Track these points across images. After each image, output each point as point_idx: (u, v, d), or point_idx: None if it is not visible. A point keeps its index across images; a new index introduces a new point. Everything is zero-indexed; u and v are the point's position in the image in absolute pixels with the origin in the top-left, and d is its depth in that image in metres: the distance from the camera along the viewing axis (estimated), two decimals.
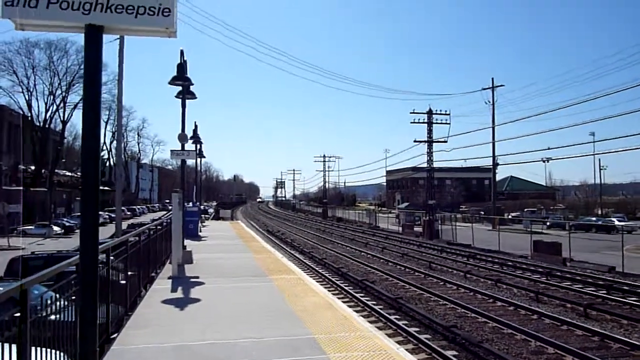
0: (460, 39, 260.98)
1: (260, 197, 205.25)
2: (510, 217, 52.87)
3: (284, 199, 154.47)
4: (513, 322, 11.79)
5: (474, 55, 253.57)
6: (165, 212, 66.25)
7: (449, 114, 43.08)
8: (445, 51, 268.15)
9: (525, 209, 59.92)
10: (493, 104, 48.99)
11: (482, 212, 55.24)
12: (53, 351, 4.05)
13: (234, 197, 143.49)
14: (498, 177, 61.43)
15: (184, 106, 14.28)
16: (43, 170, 60.45)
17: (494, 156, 49.44)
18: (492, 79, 49.56)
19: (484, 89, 49.59)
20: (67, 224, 46.87)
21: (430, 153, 43.93)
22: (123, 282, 7.68)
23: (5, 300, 3.29)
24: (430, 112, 43.16)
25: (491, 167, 51.71)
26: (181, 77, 13.09)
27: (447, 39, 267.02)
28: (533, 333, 10.84)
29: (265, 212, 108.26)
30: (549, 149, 44.15)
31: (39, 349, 3.74)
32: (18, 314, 3.42)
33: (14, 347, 3.28)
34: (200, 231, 25.76)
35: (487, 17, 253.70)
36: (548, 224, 45.00)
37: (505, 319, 12.18)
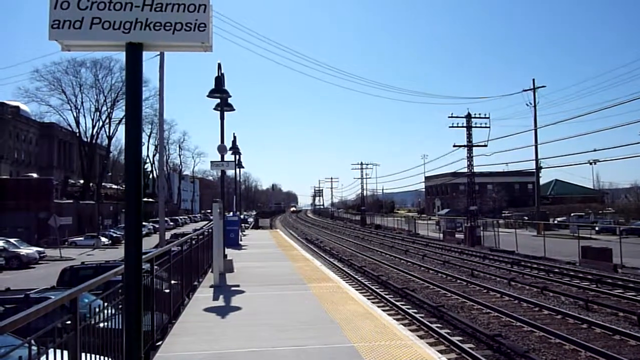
0: (498, 41, 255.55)
1: (294, 206, 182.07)
2: (555, 222, 51.04)
3: (322, 207, 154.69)
4: (561, 332, 11.36)
5: (513, 57, 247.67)
6: (206, 222, 67.61)
7: (488, 117, 42.20)
8: (482, 54, 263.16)
9: (572, 214, 57.64)
10: (535, 106, 47.64)
11: (526, 218, 53.60)
12: (102, 357, 4.20)
13: (272, 206, 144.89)
14: (542, 181, 59.51)
15: (222, 118, 14.57)
16: (91, 184, 62.96)
17: (537, 159, 47.94)
18: (533, 80, 48.23)
19: (525, 90, 48.29)
20: (114, 235, 48.55)
21: (470, 157, 43.06)
22: (167, 290, 7.88)
23: (58, 308, 3.46)
24: (469, 116, 42.37)
25: (534, 170, 50.16)
26: (219, 90, 13.38)
27: (485, 41, 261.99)
28: (583, 343, 10.39)
29: (304, 220, 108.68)
30: (595, 150, 42.55)
31: (88, 355, 3.89)
32: (69, 321, 3.58)
33: (65, 352, 3.43)
34: (241, 240, 26.12)
35: (525, 17, 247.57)
36: (597, 228, 43.14)
37: (552, 328, 11.74)
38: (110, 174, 73.89)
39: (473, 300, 15.46)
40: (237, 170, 31.94)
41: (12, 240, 34.45)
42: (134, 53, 2.78)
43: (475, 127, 42.47)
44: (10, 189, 46.06)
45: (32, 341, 3.06)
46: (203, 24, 2.74)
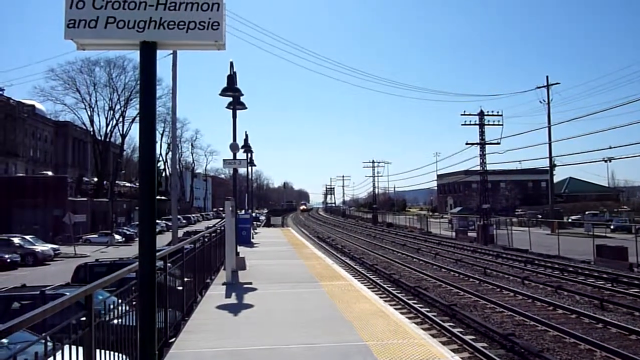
0: (510, 37, 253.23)
1: (304, 204, 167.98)
2: (570, 220, 50.44)
3: (333, 205, 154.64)
4: (576, 331, 11.23)
5: (526, 54, 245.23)
6: (218, 220, 67.99)
7: (501, 115, 41.83)
8: (494, 51, 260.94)
9: (586, 212, 56.90)
10: (548, 103, 47.13)
11: (540, 216, 53.04)
12: (116, 353, 4.24)
13: (284, 204, 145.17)
14: (556, 179, 58.90)
15: (234, 117, 14.62)
16: (105, 182, 63.66)
17: (550, 157, 47.45)
18: (547, 76, 47.92)
19: (539, 87, 47.82)
20: (128, 232, 49.04)
21: (482, 155, 42.74)
22: (180, 288, 7.94)
23: (73, 304, 3.49)
24: (481, 114, 42.03)
25: (548, 168, 49.63)
26: (231, 89, 13.41)
27: (496, 38, 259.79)
28: (598, 343, 10.27)
29: (315, 218, 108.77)
30: (610, 147, 41.86)
31: (103, 351, 3.93)
32: (84, 318, 3.62)
33: (80, 349, 3.47)
34: (253, 238, 26.22)
35: (538, 14, 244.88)
36: (612, 227, 42.57)
37: (567, 327, 11.62)
38: (123, 172, 74.67)
39: (486, 299, 15.35)
40: (249, 168, 32.02)
41: (27, 237, 34.95)
42: (148, 52, 2.79)
43: (488, 124, 42.15)
44: (26, 186, 46.70)
45: (48, 337, 3.10)
46: (216, 22, 2.74)
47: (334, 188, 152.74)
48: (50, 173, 58.57)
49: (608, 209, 60.10)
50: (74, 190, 57.43)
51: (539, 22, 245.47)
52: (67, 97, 63.09)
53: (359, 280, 15.41)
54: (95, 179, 65.82)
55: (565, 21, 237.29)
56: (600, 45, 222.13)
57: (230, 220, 12.88)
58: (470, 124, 42.35)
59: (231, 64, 13.31)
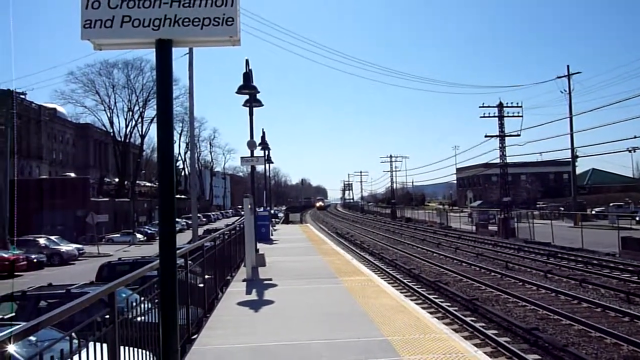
0: (531, 28, 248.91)
1: (320, 199, 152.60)
2: (593, 212, 49.46)
3: (351, 200, 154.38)
4: (602, 325, 11.01)
5: (546, 44, 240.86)
6: (238, 218, 68.52)
7: (521, 107, 41.12)
8: (512, 41, 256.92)
9: (611, 204, 55.69)
10: (570, 93, 46.15)
11: (562, 208, 52.13)
12: (139, 350, 4.30)
13: (302, 201, 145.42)
14: (578, 171, 57.71)
15: (251, 114, 14.69)
16: (125, 182, 64.61)
17: (572, 148, 46.56)
18: (568, 66, 46.74)
19: (559, 77, 46.82)
20: (149, 231, 49.72)
21: (502, 148, 42.14)
22: (201, 285, 8.01)
23: (97, 302, 3.55)
24: (500, 105, 41.42)
25: (570, 159, 48.70)
26: (247, 86, 13.46)
27: (515, 28, 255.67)
28: (625, 336, 10.04)
29: (334, 214, 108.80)
30: (635, 137, 40.78)
31: (127, 348, 3.98)
32: (107, 315, 3.67)
33: (105, 345, 3.52)
34: (272, 235, 26.35)
35: (558, 3, 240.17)
36: (637, 218, 41.55)
37: (592, 321, 11.39)
38: (144, 172, 75.72)
39: (508, 293, 15.16)
40: (267, 165, 32.17)
41: (52, 237, 35.71)
42: (164, 49, 2.80)
43: (508, 116, 41.52)
44: (50, 188, 47.66)
45: (74, 334, 3.15)
46: (231, 18, 2.74)
47: (352, 184, 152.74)
48: (72, 174, 59.70)
49: (633, 200, 58.75)
50: (96, 190, 58.42)
51: (559, 11, 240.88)
52: (86, 99, 64.20)
53: (378, 276, 15.36)
54: (117, 180, 66.84)
55: (586, 8, 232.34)
56: (624, 32, 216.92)
57: (249, 217, 12.96)
58: (489, 116, 41.79)
59: (247, 61, 13.36)
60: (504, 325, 11.64)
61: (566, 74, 46.43)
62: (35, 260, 30.10)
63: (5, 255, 28.45)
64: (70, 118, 69.31)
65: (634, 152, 44.71)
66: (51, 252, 32.83)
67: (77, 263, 32.59)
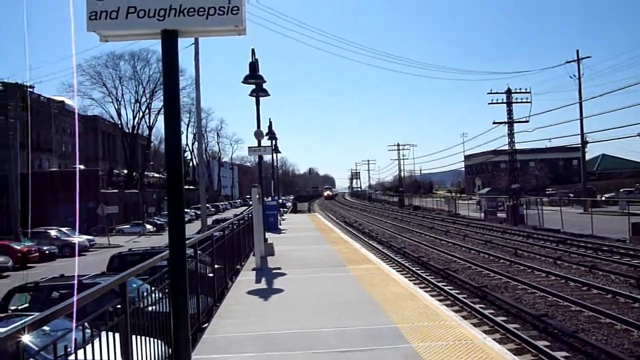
0: (540, 12, 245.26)
1: (329, 188, 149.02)
2: (603, 198, 49.06)
3: (359, 189, 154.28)
4: (612, 311, 10.97)
5: (555, 28, 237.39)
6: (246, 207, 68.74)
7: (529, 92, 40.75)
8: (522, 27, 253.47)
9: (621, 189, 55.16)
10: (579, 78, 45.53)
11: (571, 195, 51.74)
12: (151, 339, 4.36)
13: (310, 190, 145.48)
14: (588, 156, 57.11)
15: (258, 104, 14.66)
16: (134, 173, 64.99)
17: (582, 134, 46.01)
18: (577, 50, 46.24)
19: (568, 62, 46.19)
20: (158, 222, 50.11)
21: (511, 134, 41.82)
22: (210, 274, 8.08)
23: (108, 292, 3.59)
24: (509, 92, 41.03)
25: (579, 145, 48.22)
26: (254, 76, 13.43)
27: (523, 14, 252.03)
28: (636, 322, 10.01)
29: (342, 203, 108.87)
30: None
31: (139, 337, 4.03)
32: (119, 305, 3.72)
33: (117, 335, 3.57)
34: (280, 224, 26.45)
35: None
36: None
37: (602, 307, 11.36)
38: (152, 163, 76.09)
39: (517, 280, 15.14)
40: (274, 155, 32.20)
41: (63, 229, 36.09)
42: (170, 40, 2.79)
43: (516, 102, 41.15)
44: (60, 180, 48.04)
45: (86, 324, 3.20)
46: (236, 7, 2.72)
47: (359, 172, 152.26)
48: (82, 167, 60.13)
49: None
50: (105, 182, 58.81)
51: None
52: (94, 91, 64.49)
53: (387, 264, 15.40)
54: (125, 171, 67.24)
55: None
56: (633, 15, 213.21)
57: (257, 207, 13.01)
58: (497, 103, 41.44)
59: (253, 51, 13.31)
60: (513, 312, 11.64)
61: (575, 58, 45.84)
62: (47, 252, 30.49)
63: (18, 247, 28.85)
64: (79, 110, 69.70)
65: None
66: (62, 244, 33.23)
67: (88, 254, 32.96)
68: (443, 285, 15.18)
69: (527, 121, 41.08)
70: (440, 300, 10.78)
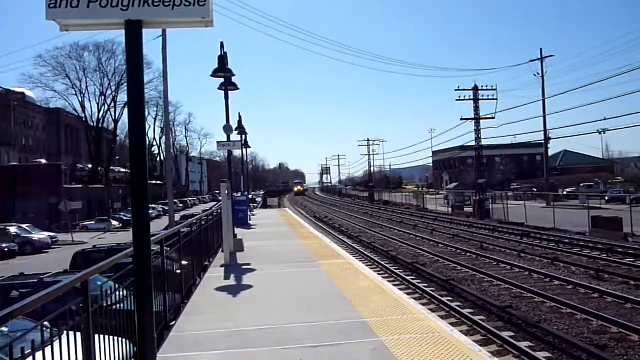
0: (504, 11, 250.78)
1: (300, 184, 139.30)
2: (565, 193, 50.73)
3: (329, 184, 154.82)
4: (572, 302, 11.37)
5: (520, 27, 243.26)
6: (215, 203, 68.00)
7: (495, 90, 41.63)
8: (488, 25, 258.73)
9: (581, 184, 57.20)
10: (543, 76, 46.82)
11: (535, 189, 53.32)
12: (117, 338, 4.25)
13: (280, 186, 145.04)
14: (551, 152, 58.82)
15: (227, 98, 14.49)
16: (99, 168, 63.34)
17: (545, 130, 47.40)
18: (541, 49, 47.31)
19: (532, 60, 47.43)
20: (125, 218, 48.99)
21: (477, 130, 42.67)
22: (178, 271, 7.94)
23: (70, 291, 3.48)
24: (476, 89, 41.82)
25: (543, 141, 49.66)
26: (223, 69, 13.27)
27: (490, 12, 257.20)
28: (595, 312, 10.41)
29: (312, 198, 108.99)
30: (605, 119, 41.91)
31: (102, 336, 3.93)
32: (81, 304, 3.60)
33: (79, 334, 3.46)
34: (250, 220, 26.28)
35: None
36: (607, 198, 42.81)
37: (564, 298, 11.76)
38: (118, 157, 74.26)
39: (483, 272, 15.50)
40: (244, 150, 31.94)
41: (24, 226, 34.90)
42: (134, 31, 2.72)
43: (483, 99, 41.98)
44: (20, 175, 46.43)
45: (47, 324, 3.08)
46: None
47: (329, 167, 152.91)
48: (44, 161, 58.16)
49: (603, 181, 60.46)
50: (69, 177, 57.14)
51: None
52: (56, 83, 62.45)
53: (357, 259, 15.51)
54: (90, 166, 65.47)
55: None
56: (595, 15, 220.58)
57: (226, 202, 12.87)
58: (464, 99, 42.19)
59: (222, 44, 13.14)
60: (479, 304, 11.92)
61: (539, 57, 47.10)
62: (6, 250, 29.43)
63: None
64: (40, 103, 67.30)
65: (604, 133, 45.92)
66: (23, 241, 32.13)
67: (51, 251, 32.00)
68: (412, 279, 15.40)
69: (493, 118, 42.06)
70: (408, 294, 10.93)
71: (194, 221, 10.69)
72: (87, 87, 63.05)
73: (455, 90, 42.26)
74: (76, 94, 63.02)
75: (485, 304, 11.82)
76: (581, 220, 26.45)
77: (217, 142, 15.74)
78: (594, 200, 38.38)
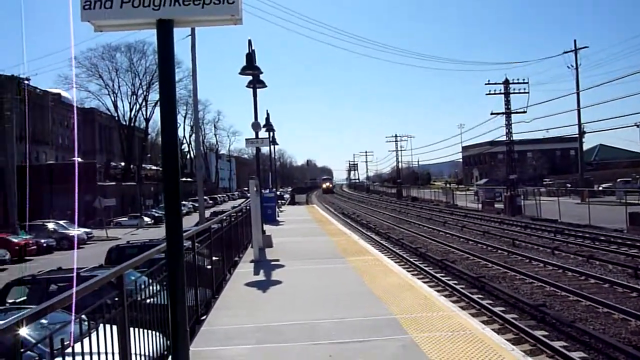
0: (537, 1, 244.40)
1: (328, 180, 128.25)
2: (600, 188, 49.18)
3: (357, 181, 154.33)
4: (609, 301, 11.02)
5: (552, 18, 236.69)
6: (244, 200, 68.73)
7: (527, 83, 40.77)
8: (520, 17, 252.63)
9: (618, 179, 55.25)
10: (577, 68, 45.49)
11: (569, 185, 51.88)
12: (150, 331, 4.35)
13: (308, 182, 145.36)
14: (585, 147, 57.17)
15: (255, 95, 14.60)
16: (132, 166, 64.82)
17: (579, 124, 46.08)
18: (575, 40, 46.00)
19: (566, 52, 46.11)
20: (156, 214, 50.06)
21: (508, 125, 41.84)
22: (208, 266, 8.07)
23: (106, 285, 3.58)
24: (506, 82, 40.99)
25: (577, 136, 48.27)
26: (251, 67, 13.36)
27: (522, 3, 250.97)
28: (633, 312, 10.06)
29: (340, 195, 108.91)
30: None
31: (137, 329, 4.03)
32: (116, 298, 3.70)
33: (114, 327, 3.56)
34: (278, 216, 26.45)
35: None
36: None
37: (600, 297, 11.41)
38: (149, 155, 75.89)
39: (515, 270, 15.20)
40: (272, 147, 32.15)
41: (61, 222, 36.05)
42: (165, 30, 2.76)
43: (514, 93, 41.15)
44: (57, 173, 47.87)
45: (84, 317, 3.18)
46: None
47: (357, 164, 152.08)
48: (79, 159, 59.90)
49: None
50: (103, 175, 58.66)
51: None
52: (90, 83, 64.10)
53: (385, 255, 15.43)
54: (123, 164, 67.07)
55: None
56: (630, 5, 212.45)
57: (255, 199, 12.99)
58: (495, 93, 41.42)
59: (249, 42, 13.23)
60: (511, 303, 11.69)
61: (573, 48, 45.74)
62: (44, 245, 30.48)
63: (16, 240, 28.83)
64: (75, 103, 69.27)
65: None
66: (60, 237, 33.23)
67: (86, 247, 32.95)
68: (441, 276, 15.23)
69: (525, 112, 41.19)
70: (438, 291, 10.81)
71: (224, 217, 10.83)
72: (119, 87, 64.59)
73: (486, 84, 41.56)
74: (109, 94, 64.67)
75: (517, 302, 11.58)
76: (618, 217, 25.58)
77: (246, 139, 15.88)
78: (632, 196, 36.96)
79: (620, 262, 15.96)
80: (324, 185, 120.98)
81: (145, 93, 65.26)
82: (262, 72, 13.91)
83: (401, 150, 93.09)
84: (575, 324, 9.65)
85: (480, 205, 45.32)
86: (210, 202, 67.96)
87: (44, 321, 3.84)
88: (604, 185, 51.74)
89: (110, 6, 2.69)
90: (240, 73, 13.37)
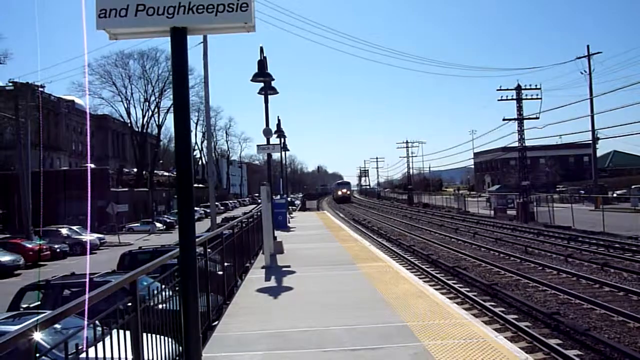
0: (550, 7, 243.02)
1: (345, 186, 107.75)
2: (615, 195, 48.51)
3: (368, 187, 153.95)
4: (624, 309, 10.84)
5: (565, 24, 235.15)
6: (255, 206, 68.82)
7: (539, 89, 40.46)
8: (532, 22, 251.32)
9: (633, 186, 54.49)
10: (590, 74, 45.05)
11: (582, 192, 51.27)
12: (162, 337, 4.37)
13: (319, 188, 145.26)
14: (599, 153, 56.48)
15: (266, 102, 14.66)
16: (144, 172, 65.36)
17: (593, 130, 45.55)
18: (588, 46, 45.61)
19: (579, 57, 45.71)
20: (168, 220, 50.40)
21: (521, 131, 41.53)
22: (220, 272, 8.09)
23: (119, 290, 3.60)
24: (518, 88, 40.73)
25: (591, 142, 47.75)
26: (262, 74, 13.43)
27: (535, 9, 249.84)
28: None
29: (350, 201, 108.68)
30: None
31: (149, 335, 4.04)
32: (130, 303, 3.72)
33: (127, 333, 3.58)
34: (289, 222, 26.46)
35: None
36: None
37: (615, 305, 11.23)
38: (161, 161, 76.51)
39: (528, 277, 15.02)
40: (283, 153, 32.21)
41: (74, 227, 36.40)
42: (179, 37, 2.79)
43: (526, 99, 40.85)
44: (71, 179, 48.41)
45: (97, 322, 3.20)
46: (245, 3, 2.71)
47: (367, 170, 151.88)
48: (92, 165, 60.56)
49: None
50: (115, 181, 59.21)
51: None
52: (103, 90, 64.81)
53: (396, 262, 15.34)
54: (135, 170, 67.66)
55: None
56: None
57: (266, 205, 13.01)
58: (507, 99, 41.16)
59: (261, 49, 13.31)
60: (524, 310, 11.55)
61: (586, 54, 45.34)
62: (58, 250, 30.78)
63: (30, 246, 29.15)
64: (89, 110, 70.12)
65: None
66: (73, 242, 33.52)
67: (99, 252, 33.24)
68: (453, 283, 15.11)
69: (537, 118, 40.86)
70: (450, 298, 10.72)
71: (235, 223, 10.86)
72: (132, 93, 65.27)
73: (497, 90, 41.37)
74: (122, 101, 65.34)
75: (531, 309, 11.44)
76: (633, 224, 25.22)
77: (257, 145, 15.95)
78: None
79: (636, 269, 15.70)
80: (339, 192, 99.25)
81: (157, 100, 65.93)
82: (273, 79, 13.98)
83: (412, 156, 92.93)
84: (590, 332, 9.50)
85: (492, 212, 44.93)
86: (222, 208, 68.16)
87: (58, 326, 3.88)
88: (618, 192, 51.04)
89: (125, 14, 2.73)
90: (252, 80, 13.45)
